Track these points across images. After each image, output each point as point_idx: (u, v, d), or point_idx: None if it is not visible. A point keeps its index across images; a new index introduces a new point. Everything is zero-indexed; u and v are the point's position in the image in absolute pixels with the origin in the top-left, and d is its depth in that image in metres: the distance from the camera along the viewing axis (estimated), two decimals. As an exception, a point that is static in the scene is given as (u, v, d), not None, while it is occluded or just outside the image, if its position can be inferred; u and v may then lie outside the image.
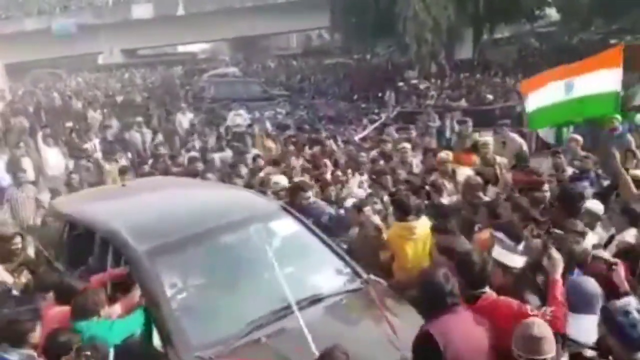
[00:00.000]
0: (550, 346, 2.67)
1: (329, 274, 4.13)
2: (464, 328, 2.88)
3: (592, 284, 3.27)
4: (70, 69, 36.14)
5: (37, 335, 3.10)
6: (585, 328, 3.07)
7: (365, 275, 4.07)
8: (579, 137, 7.70)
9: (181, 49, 48.46)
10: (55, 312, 3.47)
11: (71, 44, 37.29)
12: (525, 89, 7.61)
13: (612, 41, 19.76)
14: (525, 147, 8.09)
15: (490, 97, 15.61)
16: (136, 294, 3.50)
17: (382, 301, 3.77)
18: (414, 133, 10.89)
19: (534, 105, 7.09)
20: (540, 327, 2.71)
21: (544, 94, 6.93)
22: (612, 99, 6.29)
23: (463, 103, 15.25)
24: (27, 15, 41.32)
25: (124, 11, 39.62)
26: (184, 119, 13.29)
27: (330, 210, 5.66)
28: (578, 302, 3.14)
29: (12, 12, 42.24)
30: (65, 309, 3.41)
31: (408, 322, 3.30)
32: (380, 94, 19.45)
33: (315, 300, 3.74)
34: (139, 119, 12.60)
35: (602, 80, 6.26)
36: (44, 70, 33.96)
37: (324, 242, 4.32)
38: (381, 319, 3.61)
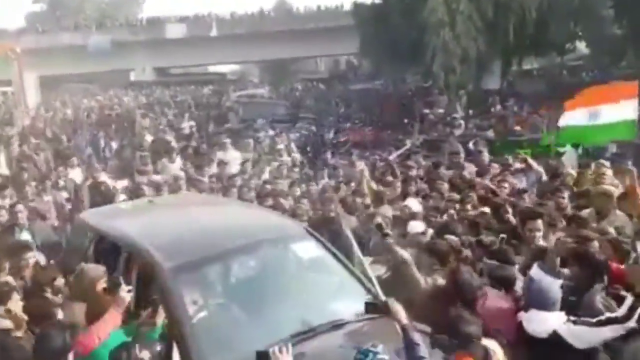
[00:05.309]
0: None
1: (351, 300, 4.08)
2: None
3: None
4: (101, 84, 36.91)
5: None
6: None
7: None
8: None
9: (211, 69, 49.28)
10: None
11: (105, 60, 37.94)
12: (568, 107, 8.40)
13: (643, 78, 19.48)
14: (544, 177, 8.02)
15: (518, 128, 15.51)
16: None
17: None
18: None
19: (563, 123, 8.21)
20: None
21: (570, 116, 8.10)
22: (632, 125, 7.59)
23: (490, 133, 15.16)
24: (64, 30, 42.63)
25: (158, 30, 40.55)
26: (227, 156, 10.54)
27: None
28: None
29: (49, 26, 43.60)
30: None
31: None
32: (405, 121, 19.47)
33: (336, 325, 3.71)
34: None
35: (623, 109, 7.47)
36: (77, 85, 34.79)
37: (346, 267, 4.29)
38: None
